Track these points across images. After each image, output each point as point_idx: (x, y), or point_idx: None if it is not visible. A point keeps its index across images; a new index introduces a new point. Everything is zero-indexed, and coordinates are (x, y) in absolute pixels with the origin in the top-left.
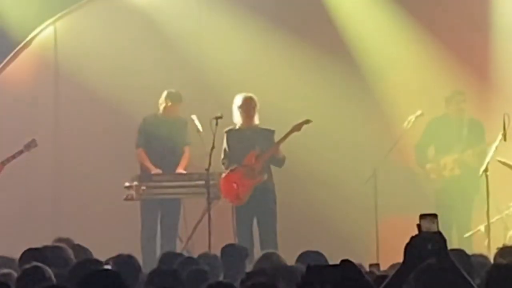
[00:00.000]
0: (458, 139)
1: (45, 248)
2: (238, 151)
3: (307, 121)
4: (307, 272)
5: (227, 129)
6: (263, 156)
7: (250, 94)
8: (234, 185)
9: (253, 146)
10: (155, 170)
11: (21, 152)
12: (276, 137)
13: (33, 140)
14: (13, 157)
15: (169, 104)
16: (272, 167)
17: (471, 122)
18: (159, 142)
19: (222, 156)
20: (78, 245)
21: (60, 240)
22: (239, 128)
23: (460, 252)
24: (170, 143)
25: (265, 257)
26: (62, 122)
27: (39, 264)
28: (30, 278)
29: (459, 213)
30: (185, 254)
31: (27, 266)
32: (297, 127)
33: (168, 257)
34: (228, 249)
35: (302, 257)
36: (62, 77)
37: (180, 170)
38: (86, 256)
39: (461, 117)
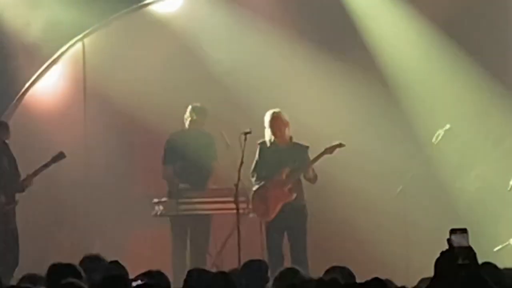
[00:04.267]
0: (482, 156)
1: (74, 264)
2: (269, 165)
3: (340, 145)
4: None
5: (260, 141)
6: (293, 175)
7: (277, 110)
8: (263, 200)
9: (286, 162)
10: (181, 186)
11: (48, 164)
12: (310, 154)
13: (61, 152)
14: (40, 169)
15: (194, 117)
16: (304, 184)
17: (496, 139)
18: (186, 159)
19: (252, 168)
20: (108, 262)
21: (89, 257)
22: (273, 142)
23: (490, 265)
24: (197, 159)
25: (285, 272)
26: (91, 137)
27: (74, 280)
28: None
29: (485, 228)
30: (214, 269)
31: (63, 281)
32: (330, 150)
33: (194, 274)
34: (250, 265)
35: (329, 272)
36: (91, 93)
37: (210, 184)
38: (117, 271)
39: (486, 134)
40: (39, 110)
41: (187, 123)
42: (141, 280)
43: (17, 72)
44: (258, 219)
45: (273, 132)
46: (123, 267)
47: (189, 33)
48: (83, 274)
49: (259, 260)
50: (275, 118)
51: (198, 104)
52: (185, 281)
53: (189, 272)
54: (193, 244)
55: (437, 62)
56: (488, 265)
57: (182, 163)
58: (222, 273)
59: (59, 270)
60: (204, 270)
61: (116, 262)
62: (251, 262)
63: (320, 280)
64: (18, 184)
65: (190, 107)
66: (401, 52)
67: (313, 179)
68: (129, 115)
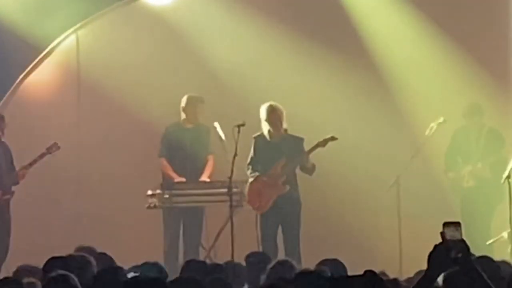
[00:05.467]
0: (475, 150)
1: (70, 256)
2: (265, 158)
3: (332, 138)
4: (330, 283)
5: (256, 134)
6: (288, 168)
7: (273, 103)
8: (258, 193)
9: (281, 154)
10: (178, 179)
11: (42, 155)
12: (305, 146)
13: (55, 144)
14: (35, 161)
15: (190, 107)
16: (298, 176)
17: (489, 133)
18: (182, 151)
19: (248, 161)
20: (101, 253)
21: (81, 248)
22: (269, 134)
23: (486, 258)
24: (193, 152)
25: (278, 264)
26: (85, 130)
27: (65, 272)
28: (55, 286)
29: (479, 222)
30: (208, 262)
31: (53, 274)
32: (322, 143)
33: (191, 265)
34: (252, 257)
35: (321, 264)
36: (85, 85)
37: (204, 178)
38: (108, 263)
39: (480, 128)
40: (33, 101)
41: (183, 115)
42: (134, 272)
43: (12, 63)
44: (252, 211)
45: (271, 124)
46: (111, 258)
47: (183, 26)
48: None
49: (262, 254)
50: (272, 111)
51: (192, 94)
52: (181, 271)
53: (186, 262)
54: (186, 236)
55: (432, 55)
56: (484, 258)
57: (178, 156)
58: (217, 265)
59: (56, 264)
60: (200, 262)
61: (104, 254)
62: (254, 254)
63: (304, 272)
64: (13, 176)
65: (185, 97)
66: (396, 46)
67: (310, 170)
68: (123, 106)
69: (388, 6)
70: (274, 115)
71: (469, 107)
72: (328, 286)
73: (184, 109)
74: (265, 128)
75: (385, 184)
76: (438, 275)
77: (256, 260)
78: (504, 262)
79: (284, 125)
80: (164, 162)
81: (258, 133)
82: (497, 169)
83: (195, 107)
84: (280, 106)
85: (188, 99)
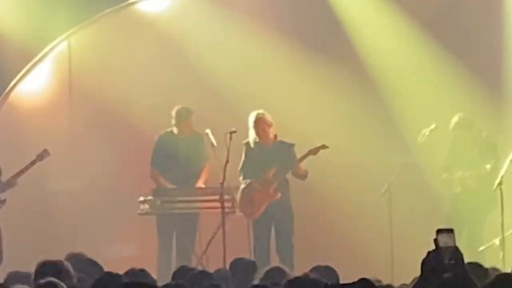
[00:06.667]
0: (469, 157)
1: (60, 261)
2: (256, 165)
3: (324, 147)
4: None
5: (246, 141)
6: (279, 174)
7: (261, 111)
8: (250, 200)
9: (272, 161)
10: (170, 186)
11: (33, 162)
12: (297, 153)
13: (45, 150)
14: (26, 168)
15: (180, 121)
16: (291, 183)
17: (484, 141)
18: (175, 160)
19: (240, 167)
20: (90, 260)
21: (71, 255)
22: (257, 142)
23: (476, 265)
24: (188, 161)
25: (270, 272)
26: (77, 136)
27: (53, 279)
28: None
29: (471, 229)
30: (200, 268)
31: (41, 281)
32: (314, 151)
33: (182, 271)
34: (236, 263)
35: (313, 271)
36: (77, 91)
37: (200, 184)
38: (98, 270)
39: (476, 135)
40: (25, 108)
41: (174, 128)
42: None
43: (3, 70)
44: (244, 217)
45: (257, 133)
46: (100, 265)
47: (175, 33)
48: (72, 272)
49: (248, 260)
50: (259, 120)
51: (180, 107)
52: (172, 278)
53: (177, 269)
54: (179, 243)
55: (424, 62)
56: (474, 264)
57: (172, 165)
58: (207, 272)
59: (47, 269)
60: (191, 269)
61: (93, 260)
62: (239, 261)
63: (296, 278)
64: (2, 184)
65: (175, 110)
66: (387, 52)
67: (302, 176)
68: (115, 113)
69: (380, 12)
70: (260, 123)
71: (458, 123)
72: None
73: (176, 124)
74: (251, 136)
75: (377, 191)
76: (431, 282)
77: (242, 266)
78: (494, 269)
79: (272, 133)
80: (155, 171)
81: (248, 140)
82: (488, 178)
83: (187, 120)
84: (267, 114)
85: (178, 114)
